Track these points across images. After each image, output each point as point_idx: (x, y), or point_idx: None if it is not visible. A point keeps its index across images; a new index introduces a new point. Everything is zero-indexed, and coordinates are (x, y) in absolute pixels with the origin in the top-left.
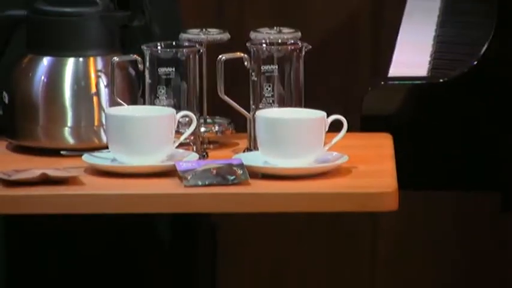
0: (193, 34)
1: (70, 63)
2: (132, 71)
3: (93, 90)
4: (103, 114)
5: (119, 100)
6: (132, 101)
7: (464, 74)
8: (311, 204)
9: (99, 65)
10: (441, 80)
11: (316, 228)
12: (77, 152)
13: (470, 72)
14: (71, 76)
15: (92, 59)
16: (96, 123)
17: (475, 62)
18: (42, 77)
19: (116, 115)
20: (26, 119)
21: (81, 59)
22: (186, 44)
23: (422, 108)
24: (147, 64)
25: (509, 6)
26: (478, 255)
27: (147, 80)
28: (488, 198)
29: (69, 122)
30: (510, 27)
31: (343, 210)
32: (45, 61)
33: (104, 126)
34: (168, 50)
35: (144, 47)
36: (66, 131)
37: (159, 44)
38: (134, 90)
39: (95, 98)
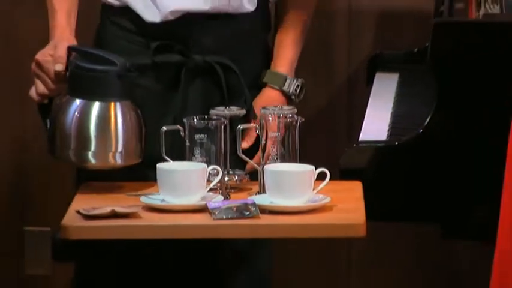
0: (220, 110)
1: (96, 105)
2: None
3: (112, 126)
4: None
5: (166, 158)
6: (178, 158)
7: (412, 139)
8: (304, 231)
9: (117, 108)
10: (396, 143)
11: (308, 247)
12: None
13: (416, 138)
14: (96, 115)
15: (112, 103)
16: (113, 149)
17: (421, 130)
18: (76, 113)
19: (165, 169)
20: (58, 144)
21: (104, 103)
22: (215, 117)
23: (383, 163)
24: (187, 131)
25: (446, 91)
26: (428, 268)
27: (187, 143)
28: (433, 228)
29: (93, 147)
30: (447, 106)
31: (327, 236)
32: (77, 102)
33: (118, 152)
34: (202, 121)
35: (184, 120)
36: (90, 154)
37: (195, 117)
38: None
39: (113, 131)
